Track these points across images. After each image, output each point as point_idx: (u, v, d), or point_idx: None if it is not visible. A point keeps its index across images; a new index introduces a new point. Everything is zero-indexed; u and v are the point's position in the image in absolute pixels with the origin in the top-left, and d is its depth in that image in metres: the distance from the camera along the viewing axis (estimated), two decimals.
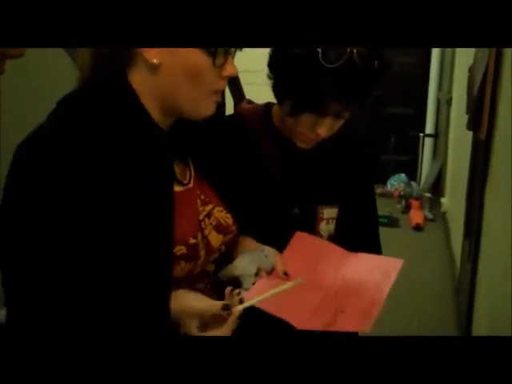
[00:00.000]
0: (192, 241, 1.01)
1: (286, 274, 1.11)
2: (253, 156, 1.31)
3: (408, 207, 5.12)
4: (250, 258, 1.10)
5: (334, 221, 1.37)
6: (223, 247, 1.11)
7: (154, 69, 0.93)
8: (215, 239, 1.07)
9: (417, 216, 4.83)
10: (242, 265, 1.09)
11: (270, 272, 1.11)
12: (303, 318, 1.04)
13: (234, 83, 2.77)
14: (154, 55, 0.90)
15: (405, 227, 4.74)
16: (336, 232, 1.37)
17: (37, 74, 2.01)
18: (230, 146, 1.29)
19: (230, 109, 2.80)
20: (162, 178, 0.98)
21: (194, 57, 0.91)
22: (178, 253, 0.98)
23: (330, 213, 1.36)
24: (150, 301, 0.94)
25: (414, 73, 5.54)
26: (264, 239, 1.22)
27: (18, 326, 0.90)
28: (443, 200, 4.91)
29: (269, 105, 1.35)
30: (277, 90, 1.25)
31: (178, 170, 1.06)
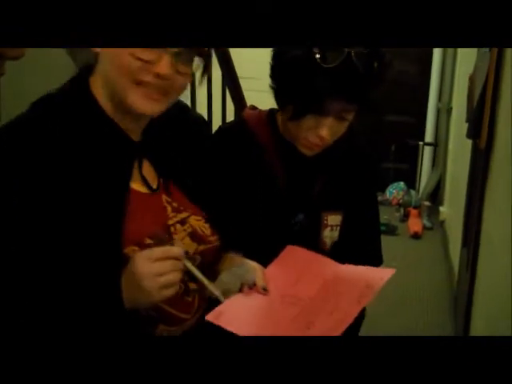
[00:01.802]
0: (148, 241, 1.01)
1: (265, 289, 1.10)
2: (257, 161, 1.31)
3: (406, 215, 5.11)
4: (234, 274, 1.10)
5: (338, 228, 1.37)
6: (198, 257, 1.10)
7: (97, 59, 1.01)
8: (188, 246, 1.08)
9: (415, 224, 4.83)
10: (226, 281, 1.10)
11: (253, 287, 1.10)
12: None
13: (235, 89, 2.77)
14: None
15: (403, 235, 4.74)
16: (339, 239, 1.37)
17: (35, 75, 2.01)
18: (235, 152, 1.30)
19: (229, 114, 2.80)
20: (115, 177, 1.02)
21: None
22: (131, 252, 0.98)
23: (334, 219, 1.36)
24: (99, 296, 0.95)
25: (413, 82, 5.54)
26: (268, 245, 1.21)
27: None
28: (442, 209, 4.90)
29: (273, 110, 1.36)
30: (278, 95, 1.25)
31: (149, 175, 1.08)
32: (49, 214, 0.93)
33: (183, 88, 1.03)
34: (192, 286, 1.09)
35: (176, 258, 0.96)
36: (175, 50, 0.96)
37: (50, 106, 1.01)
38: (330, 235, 1.36)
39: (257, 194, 1.30)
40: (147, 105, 0.99)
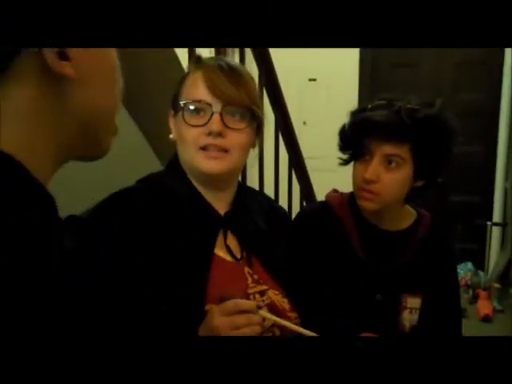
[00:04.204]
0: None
1: None
2: (339, 242, 1.37)
3: (475, 297, 4.95)
4: None
5: (418, 311, 1.36)
6: (277, 330, 1.14)
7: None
8: (267, 319, 1.12)
9: (485, 306, 4.66)
10: None
11: None
12: None
13: (300, 170, 2.87)
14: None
15: (472, 318, 4.57)
16: (419, 323, 1.36)
17: None
18: (318, 232, 1.37)
19: (296, 198, 2.88)
20: (202, 244, 1.13)
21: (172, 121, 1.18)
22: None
23: (413, 302, 1.36)
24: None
25: (479, 162, 5.50)
26: (345, 325, 1.24)
27: None
28: None
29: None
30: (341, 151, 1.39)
31: (233, 245, 1.19)
32: (140, 269, 1.03)
33: (240, 144, 1.15)
34: None
35: (249, 312, 1.00)
36: (220, 106, 1.10)
37: (151, 181, 1.18)
38: (409, 318, 1.35)
39: (338, 274, 1.34)
40: (208, 164, 1.12)
